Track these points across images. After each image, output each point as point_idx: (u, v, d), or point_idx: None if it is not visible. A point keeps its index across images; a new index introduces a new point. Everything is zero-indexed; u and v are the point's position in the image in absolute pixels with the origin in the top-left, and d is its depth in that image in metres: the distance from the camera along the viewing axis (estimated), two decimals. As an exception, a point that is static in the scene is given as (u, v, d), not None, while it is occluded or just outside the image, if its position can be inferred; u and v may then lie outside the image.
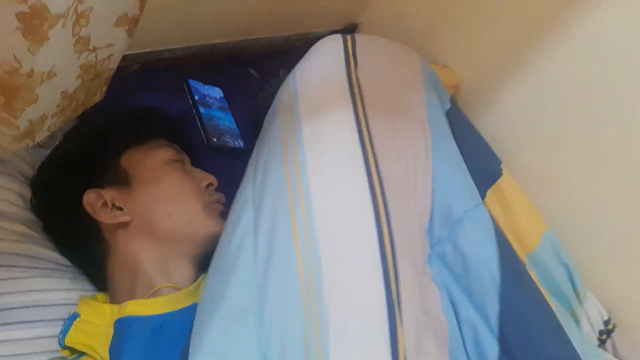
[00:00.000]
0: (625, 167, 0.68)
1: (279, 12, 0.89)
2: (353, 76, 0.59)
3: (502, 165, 0.73)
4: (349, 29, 1.06)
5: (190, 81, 0.81)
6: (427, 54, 0.95)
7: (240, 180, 0.58)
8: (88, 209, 0.54)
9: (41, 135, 0.56)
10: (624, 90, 0.66)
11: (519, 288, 0.53)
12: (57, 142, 0.63)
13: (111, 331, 0.50)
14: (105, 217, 0.54)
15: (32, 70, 0.45)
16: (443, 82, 0.81)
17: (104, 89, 0.66)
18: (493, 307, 0.50)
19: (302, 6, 0.91)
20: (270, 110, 0.62)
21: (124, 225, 0.55)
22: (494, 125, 0.86)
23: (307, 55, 0.64)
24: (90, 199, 0.55)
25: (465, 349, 0.49)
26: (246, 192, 0.54)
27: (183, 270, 0.57)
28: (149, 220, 0.55)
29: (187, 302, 0.54)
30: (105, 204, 0.55)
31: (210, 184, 0.63)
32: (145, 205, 0.56)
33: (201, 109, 0.79)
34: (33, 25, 0.41)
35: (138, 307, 0.52)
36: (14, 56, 0.43)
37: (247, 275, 0.47)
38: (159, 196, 0.56)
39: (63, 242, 0.59)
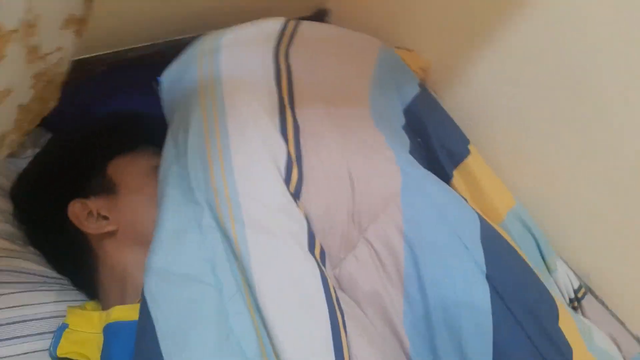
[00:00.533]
0: (595, 139, 0.70)
1: (246, 1, 0.86)
2: (281, 53, 0.59)
3: (470, 145, 0.75)
4: (319, 15, 1.04)
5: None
6: (396, 37, 0.95)
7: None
8: (74, 219, 0.54)
9: (3, 153, 0.53)
10: (591, 59, 0.68)
11: (497, 238, 0.56)
12: (37, 150, 0.62)
13: (102, 338, 0.51)
14: (91, 227, 0.54)
15: (-11, 90, 0.43)
16: (410, 66, 0.81)
17: (58, 94, 0.63)
18: (478, 251, 0.51)
19: (267, -6, 0.89)
20: (180, 76, 0.60)
21: (111, 234, 0.55)
22: (465, 104, 0.87)
23: (241, 25, 0.64)
24: (76, 209, 0.54)
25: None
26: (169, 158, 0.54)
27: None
28: (136, 228, 0.55)
29: None
30: (90, 213, 0.54)
31: None
32: (132, 213, 0.55)
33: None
34: (-13, 45, 0.39)
35: (125, 312, 0.52)
36: (-31, 77, 0.40)
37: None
38: (145, 203, 0.56)
39: (49, 253, 0.59)
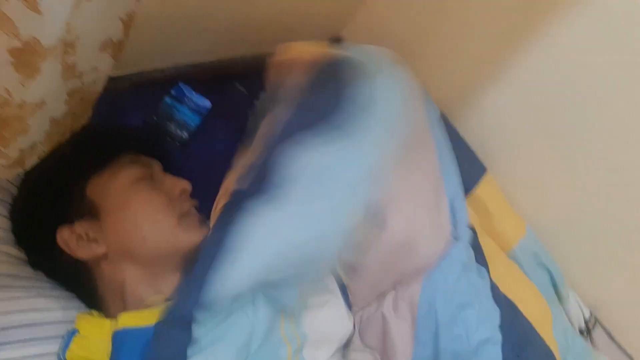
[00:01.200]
0: (605, 167, 0.70)
1: (264, 28, 0.90)
2: None
3: (484, 171, 0.76)
4: (333, 43, 1.08)
5: (181, 83, 0.82)
6: (410, 65, 0.98)
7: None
8: (64, 247, 0.54)
9: (31, 163, 0.56)
10: (599, 91, 0.69)
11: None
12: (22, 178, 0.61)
13: (110, 344, 0.51)
14: (81, 252, 0.54)
15: (23, 101, 0.46)
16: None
17: (90, 111, 0.66)
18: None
19: (287, 22, 0.93)
20: None
21: (103, 254, 0.55)
22: (478, 131, 0.88)
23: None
24: (64, 236, 0.54)
25: None
26: None
27: (173, 282, 0.57)
28: (126, 247, 0.55)
29: None
30: (80, 237, 0.54)
31: (182, 190, 0.61)
32: (119, 233, 0.55)
33: (167, 99, 0.80)
34: (25, 60, 0.42)
35: (133, 319, 0.52)
36: (6, 89, 0.44)
37: None
38: (129, 222, 0.55)
39: (49, 275, 0.59)
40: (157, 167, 0.63)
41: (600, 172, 0.71)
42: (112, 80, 0.73)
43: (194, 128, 0.81)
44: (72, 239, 0.54)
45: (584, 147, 0.71)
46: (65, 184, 0.56)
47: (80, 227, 0.55)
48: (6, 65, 0.42)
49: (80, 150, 0.60)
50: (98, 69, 0.56)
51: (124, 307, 0.55)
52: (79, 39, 0.49)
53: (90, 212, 0.55)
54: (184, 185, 0.61)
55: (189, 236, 0.57)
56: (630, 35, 0.63)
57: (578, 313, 0.73)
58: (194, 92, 0.83)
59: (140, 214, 0.56)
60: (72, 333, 0.52)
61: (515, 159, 0.84)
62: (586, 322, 0.72)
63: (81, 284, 0.57)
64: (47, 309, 0.55)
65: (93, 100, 0.62)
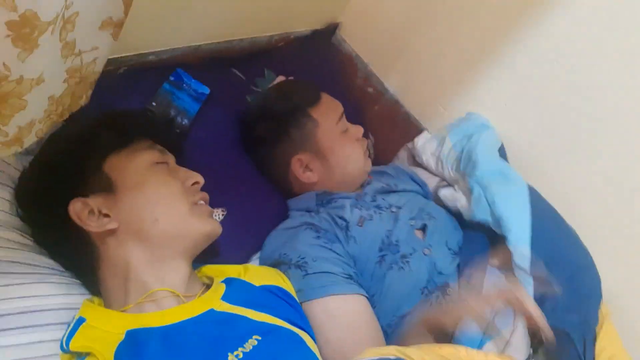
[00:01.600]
0: (605, 160, 0.71)
1: (261, 13, 0.90)
2: None
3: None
4: (330, 28, 1.08)
5: (179, 70, 0.82)
6: (407, 49, 0.98)
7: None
8: (75, 218, 0.54)
9: (29, 141, 0.56)
10: (593, 82, 0.70)
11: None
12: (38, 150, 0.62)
13: (119, 338, 0.51)
14: (92, 225, 0.54)
15: (21, 77, 0.46)
16: None
17: (90, 92, 0.66)
18: None
19: (284, 6, 0.93)
20: None
21: (112, 231, 0.55)
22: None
23: None
24: (77, 208, 0.54)
25: None
26: None
27: (176, 270, 0.57)
28: (137, 226, 0.55)
29: (204, 308, 0.55)
30: (92, 211, 0.55)
31: (196, 182, 0.63)
32: (132, 211, 0.56)
33: (166, 85, 0.80)
34: (23, 33, 0.42)
35: (154, 319, 0.53)
36: (4, 64, 0.43)
37: None
38: (145, 201, 0.56)
39: (53, 250, 0.59)
40: (171, 159, 0.65)
41: (598, 166, 0.71)
42: (108, 62, 0.73)
43: (193, 115, 0.81)
44: (84, 212, 0.55)
45: (584, 138, 0.71)
46: (84, 157, 0.57)
47: (94, 201, 0.55)
48: (4, 39, 0.41)
49: (102, 128, 0.61)
50: (98, 48, 0.56)
51: (125, 295, 0.55)
52: (78, 16, 0.48)
53: (105, 187, 0.56)
54: (198, 177, 0.63)
55: (199, 225, 0.58)
56: (622, 29, 0.63)
57: None
58: (192, 79, 0.83)
59: (155, 195, 0.57)
60: (80, 321, 0.53)
61: (512, 147, 0.85)
62: None
63: (84, 261, 0.57)
64: (47, 295, 0.55)
65: (93, 80, 0.62)
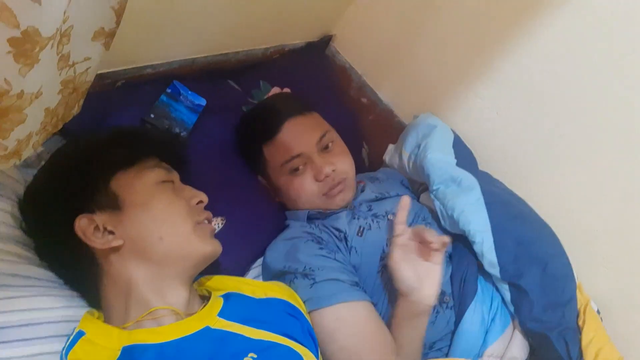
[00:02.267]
0: (601, 164, 0.72)
1: (256, 25, 0.91)
2: None
3: None
4: (324, 41, 1.10)
5: (176, 82, 0.83)
6: (400, 60, 1.00)
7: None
8: (80, 234, 0.54)
9: (27, 153, 0.56)
10: (583, 89, 0.71)
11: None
12: (43, 164, 0.62)
13: (116, 355, 0.51)
14: (97, 242, 0.55)
15: (22, 91, 0.47)
16: None
17: (81, 101, 0.66)
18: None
19: (278, 19, 0.94)
20: None
21: (116, 248, 0.55)
22: (466, 126, 0.90)
23: None
24: (82, 224, 0.55)
25: None
26: None
27: (178, 289, 0.57)
28: (141, 244, 0.56)
29: (200, 326, 0.55)
30: (97, 228, 0.55)
31: (200, 202, 0.63)
32: (137, 229, 0.56)
33: (163, 97, 0.81)
34: (25, 49, 0.43)
35: (150, 335, 0.53)
36: (5, 79, 0.44)
37: None
38: (150, 219, 0.57)
39: (55, 264, 0.59)
40: (176, 177, 0.65)
41: (592, 170, 0.73)
42: (104, 76, 0.74)
43: (190, 126, 0.82)
44: (89, 228, 0.55)
45: (577, 147, 0.73)
46: (91, 174, 0.58)
47: (100, 217, 0.56)
48: (5, 55, 0.42)
49: (110, 145, 0.62)
50: (90, 58, 0.57)
51: (126, 312, 0.55)
52: (73, 28, 0.49)
53: (112, 204, 0.56)
54: (203, 197, 0.64)
55: (202, 245, 0.59)
56: (614, 35, 0.65)
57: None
58: (189, 90, 0.84)
59: (160, 213, 0.57)
60: (80, 334, 0.53)
61: (506, 156, 0.86)
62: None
63: (87, 277, 0.57)
64: (48, 308, 0.55)
65: (84, 90, 0.62)
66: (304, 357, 0.58)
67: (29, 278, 0.56)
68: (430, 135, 0.87)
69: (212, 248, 0.60)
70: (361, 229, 0.77)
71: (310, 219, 0.82)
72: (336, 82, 1.10)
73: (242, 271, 0.79)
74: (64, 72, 0.53)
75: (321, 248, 0.74)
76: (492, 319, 0.72)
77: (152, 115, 0.79)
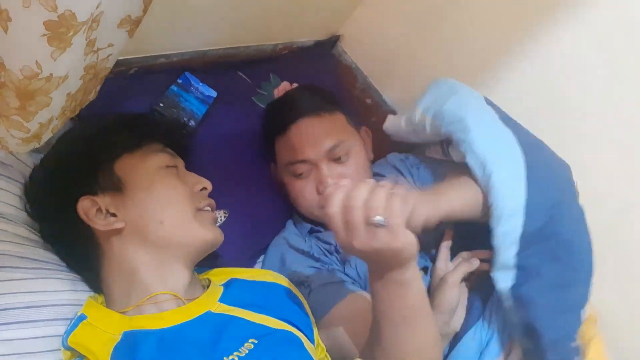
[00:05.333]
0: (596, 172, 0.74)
1: (267, 22, 0.92)
2: None
3: None
4: (332, 40, 1.11)
5: (187, 73, 0.83)
6: (405, 62, 1.02)
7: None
8: (83, 216, 0.55)
9: (46, 137, 0.56)
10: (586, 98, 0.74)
11: None
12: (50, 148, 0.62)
13: (116, 339, 0.51)
14: (99, 224, 0.55)
15: (51, 75, 0.47)
16: None
17: (98, 87, 0.66)
18: None
19: (289, 17, 0.95)
20: None
21: (118, 231, 0.56)
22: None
23: None
24: (85, 205, 0.55)
25: None
26: None
27: (179, 274, 0.58)
28: (142, 227, 0.56)
29: (201, 311, 0.55)
30: (99, 210, 0.55)
31: (204, 188, 0.64)
32: (138, 212, 0.56)
33: (174, 87, 0.81)
34: (59, 32, 0.43)
35: (151, 321, 0.53)
36: (36, 62, 0.44)
37: None
38: (151, 203, 0.57)
39: (59, 246, 0.59)
40: (181, 163, 0.65)
41: (592, 182, 0.74)
42: (118, 63, 0.74)
43: (200, 117, 0.82)
44: (92, 210, 0.55)
45: (574, 153, 0.74)
46: (96, 156, 0.58)
47: (103, 200, 0.56)
48: (40, 38, 0.42)
49: (116, 128, 0.62)
50: (113, 45, 0.57)
51: (127, 296, 0.56)
52: (103, 14, 0.49)
53: (115, 187, 0.57)
54: (206, 183, 0.64)
55: (202, 231, 0.59)
56: (621, 44, 0.68)
57: None
58: (200, 82, 0.84)
59: (162, 197, 0.58)
60: (81, 318, 0.53)
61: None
62: None
63: (89, 260, 0.58)
64: (53, 291, 0.55)
65: (103, 76, 0.62)
66: (303, 343, 0.59)
67: (35, 261, 0.56)
68: (457, 92, 0.74)
69: (213, 235, 0.60)
70: None
71: (312, 232, 0.80)
72: (341, 81, 1.11)
73: (244, 266, 0.80)
74: (88, 57, 0.53)
75: (315, 264, 0.74)
76: (487, 342, 0.68)
77: (161, 105, 0.79)
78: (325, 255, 0.76)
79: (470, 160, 0.66)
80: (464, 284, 0.70)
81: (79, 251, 0.58)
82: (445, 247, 0.73)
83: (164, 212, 0.57)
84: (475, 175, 0.66)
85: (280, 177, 0.83)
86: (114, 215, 0.56)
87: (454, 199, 0.66)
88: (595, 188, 0.73)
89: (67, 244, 0.59)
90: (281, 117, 0.79)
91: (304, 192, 0.76)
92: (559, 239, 0.64)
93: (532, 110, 0.77)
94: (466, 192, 0.67)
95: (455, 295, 0.67)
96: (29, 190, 0.60)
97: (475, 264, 0.69)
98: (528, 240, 0.63)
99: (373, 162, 0.92)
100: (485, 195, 0.65)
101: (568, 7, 0.73)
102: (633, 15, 0.68)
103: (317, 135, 0.75)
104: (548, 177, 0.67)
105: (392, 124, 0.88)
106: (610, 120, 0.72)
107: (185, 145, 0.71)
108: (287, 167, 0.78)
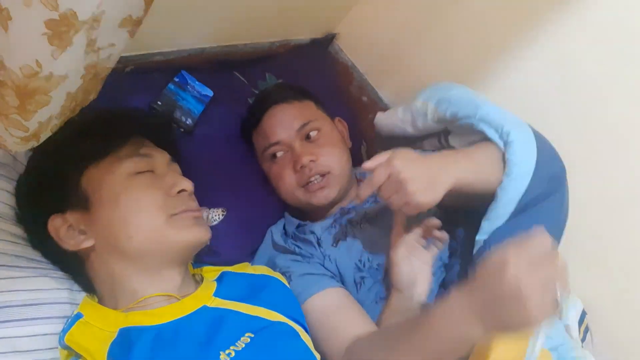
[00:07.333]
0: (596, 168, 0.75)
1: (264, 19, 0.92)
2: None
3: None
4: (328, 38, 1.11)
5: (184, 71, 0.83)
6: (401, 61, 1.02)
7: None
8: (54, 235, 0.54)
9: (45, 136, 0.55)
10: (591, 92, 0.74)
11: None
12: (31, 154, 0.60)
13: (112, 336, 0.51)
14: (69, 243, 0.54)
15: (51, 74, 0.46)
16: None
17: (99, 87, 0.65)
18: None
19: (285, 15, 0.95)
20: None
21: (91, 248, 0.55)
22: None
23: None
24: (55, 224, 0.54)
25: None
26: None
27: (168, 276, 0.57)
28: (114, 242, 0.55)
29: (197, 306, 0.56)
30: (71, 227, 0.55)
31: (182, 190, 0.59)
32: (106, 229, 0.55)
33: (171, 86, 0.81)
34: (60, 31, 0.43)
35: (147, 317, 0.53)
36: (36, 60, 0.44)
37: None
38: (117, 218, 0.54)
39: (46, 256, 0.59)
40: (161, 159, 0.61)
41: (581, 178, 0.75)
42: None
43: (197, 115, 0.82)
44: (62, 228, 0.54)
45: (576, 148, 0.75)
46: (62, 171, 0.56)
47: (72, 216, 0.55)
48: (40, 37, 0.42)
49: (81, 138, 0.58)
50: (114, 45, 0.56)
51: (116, 300, 0.56)
52: (104, 13, 0.49)
53: (82, 203, 0.55)
54: (185, 184, 0.59)
55: (178, 236, 0.56)
56: (623, 38, 0.68)
57: (573, 317, 0.74)
58: (196, 81, 0.84)
59: (129, 210, 0.55)
60: (77, 317, 0.53)
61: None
62: (579, 325, 0.75)
63: (74, 270, 0.58)
64: (51, 289, 0.55)
65: (104, 76, 0.62)
66: (300, 334, 0.60)
67: (33, 260, 0.56)
68: (460, 86, 0.76)
69: (192, 236, 0.57)
70: (336, 239, 0.75)
71: (300, 227, 0.81)
72: (338, 79, 1.12)
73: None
74: (89, 57, 0.53)
75: (294, 255, 0.76)
76: None
77: (159, 102, 0.79)
78: (307, 246, 0.77)
79: (485, 128, 0.67)
80: (424, 256, 0.68)
81: (64, 261, 0.58)
82: (396, 234, 0.70)
83: (131, 226, 0.54)
84: (492, 138, 0.66)
85: (263, 169, 0.84)
86: (83, 232, 0.55)
87: (469, 167, 0.63)
88: (588, 184, 0.74)
89: (53, 254, 0.58)
90: (255, 109, 0.83)
91: (282, 174, 0.78)
92: (541, 212, 0.64)
93: (527, 110, 0.78)
94: (480, 160, 0.65)
95: (406, 270, 0.67)
96: (16, 201, 0.59)
97: (416, 233, 0.68)
98: (520, 207, 0.64)
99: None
100: (504, 153, 0.64)
101: (562, 5, 0.73)
102: (629, 12, 0.69)
103: (286, 118, 0.79)
104: (550, 151, 0.69)
105: (386, 116, 0.88)
106: (609, 119, 0.73)
107: (169, 139, 0.67)
108: (263, 154, 0.81)
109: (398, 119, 0.84)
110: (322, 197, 0.76)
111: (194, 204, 0.61)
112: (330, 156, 0.77)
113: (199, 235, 0.58)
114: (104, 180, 0.56)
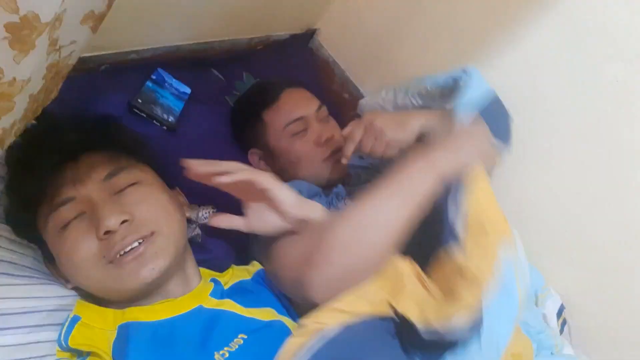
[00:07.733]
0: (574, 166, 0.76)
1: (242, 15, 0.90)
2: None
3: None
4: (308, 33, 1.10)
5: (160, 69, 0.82)
6: (383, 56, 1.01)
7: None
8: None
9: (9, 141, 0.53)
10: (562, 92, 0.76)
11: None
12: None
13: (113, 335, 0.51)
14: (64, 284, 0.58)
15: (14, 79, 0.44)
16: None
17: (60, 85, 0.62)
18: None
19: (263, 10, 0.93)
20: None
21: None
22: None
23: None
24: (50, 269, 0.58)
25: None
26: None
27: (150, 300, 0.55)
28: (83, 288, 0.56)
29: (193, 305, 0.55)
30: (57, 273, 0.57)
31: (106, 232, 0.51)
32: (70, 277, 0.56)
33: (149, 83, 0.80)
34: (22, 35, 0.41)
35: (143, 313, 0.53)
36: (-2, 66, 0.42)
37: None
38: (69, 274, 0.55)
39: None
40: (85, 192, 0.53)
41: (557, 172, 0.76)
42: (87, 60, 0.71)
43: (178, 112, 0.81)
44: (54, 273, 0.58)
45: (551, 143, 0.76)
46: (20, 215, 0.57)
47: (51, 267, 0.58)
48: (0, 41, 0.40)
49: (10, 201, 0.57)
50: (76, 42, 0.54)
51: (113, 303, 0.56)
52: (65, 12, 0.47)
53: (49, 254, 0.56)
54: (107, 225, 0.50)
55: (121, 285, 0.52)
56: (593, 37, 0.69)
57: (551, 310, 0.77)
58: (173, 78, 0.82)
59: (70, 267, 0.53)
60: (75, 320, 0.53)
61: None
62: (558, 316, 0.77)
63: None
64: (46, 297, 0.55)
65: (65, 74, 0.60)
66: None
67: (29, 269, 0.57)
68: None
69: (135, 284, 0.51)
70: None
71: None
72: (319, 75, 1.11)
73: (232, 260, 0.79)
74: (50, 56, 0.51)
75: None
76: None
77: (139, 101, 0.77)
78: None
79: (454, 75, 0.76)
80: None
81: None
82: None
83: (81, 279, 0.54)
84: (455, 75, 0.75)
85: (275, 146, 0.84)
86: (65, 278, 0.57)
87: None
88: (566, 179, 0.75)
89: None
90: (268, 91, 0.86)
91: (305, 149, 0.82)
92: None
93: (506, 103, 0.78)
94: (444, 115, 0.71)
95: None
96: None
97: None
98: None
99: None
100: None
101: (542, 2, 0.74)
102: (603, 11, 0.69)
103: (305, 98, 0.87)
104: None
105: (370, 98, 0.93)
106: (582, 118, 0.74)
107: (109, 138, 0.60)
108: (284, 130, 0.83)
109: (380, 98, 0.89)
110: (342, 170, 0.84)
111: (130, 238, 0.52)
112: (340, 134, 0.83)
113: (141, 279, 0.51)
114: (45, 232, 0.54)
